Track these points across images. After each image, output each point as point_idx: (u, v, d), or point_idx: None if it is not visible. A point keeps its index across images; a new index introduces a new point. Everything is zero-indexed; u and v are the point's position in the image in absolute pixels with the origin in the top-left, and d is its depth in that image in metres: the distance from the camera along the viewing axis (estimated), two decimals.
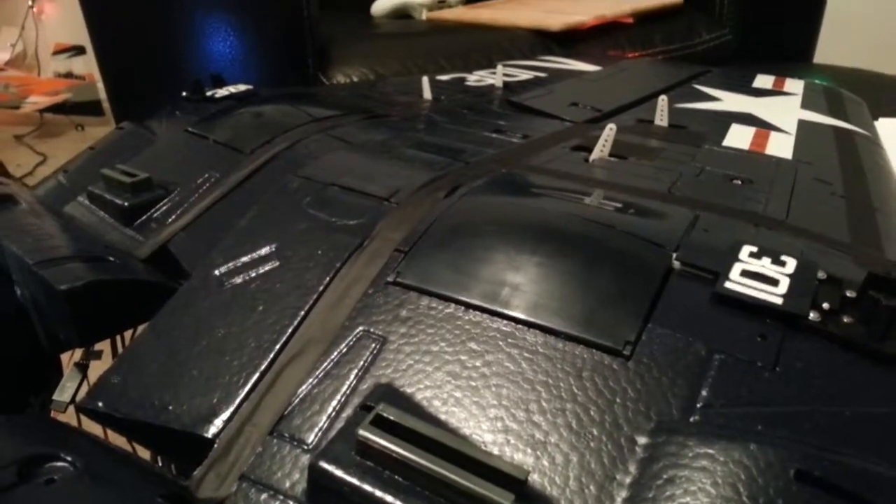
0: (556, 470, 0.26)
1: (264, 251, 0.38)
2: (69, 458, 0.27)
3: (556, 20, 1.32)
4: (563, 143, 0.57)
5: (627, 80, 0.90)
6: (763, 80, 0.89)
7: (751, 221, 0.41)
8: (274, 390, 0.30)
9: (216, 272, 0.38)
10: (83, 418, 0.36)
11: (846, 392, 0.28)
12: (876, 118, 0.87)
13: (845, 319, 0.30)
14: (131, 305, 0.42)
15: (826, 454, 0.25)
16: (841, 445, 0.25)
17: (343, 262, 0.36)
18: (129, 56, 1.16)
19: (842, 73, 1.32)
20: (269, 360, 0.32)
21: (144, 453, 0.42)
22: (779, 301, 0.30)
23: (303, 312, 0.34)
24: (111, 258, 0.44)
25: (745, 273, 0.32)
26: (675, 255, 0.34)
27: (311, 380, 0.30)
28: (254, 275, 0.37)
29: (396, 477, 0.24)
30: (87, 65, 2.51)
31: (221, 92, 0.68)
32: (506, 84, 0.84)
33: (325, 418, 0.29)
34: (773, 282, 0.31)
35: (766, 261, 0.33)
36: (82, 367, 0.44)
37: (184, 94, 0.69)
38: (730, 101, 0.76)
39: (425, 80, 0.77)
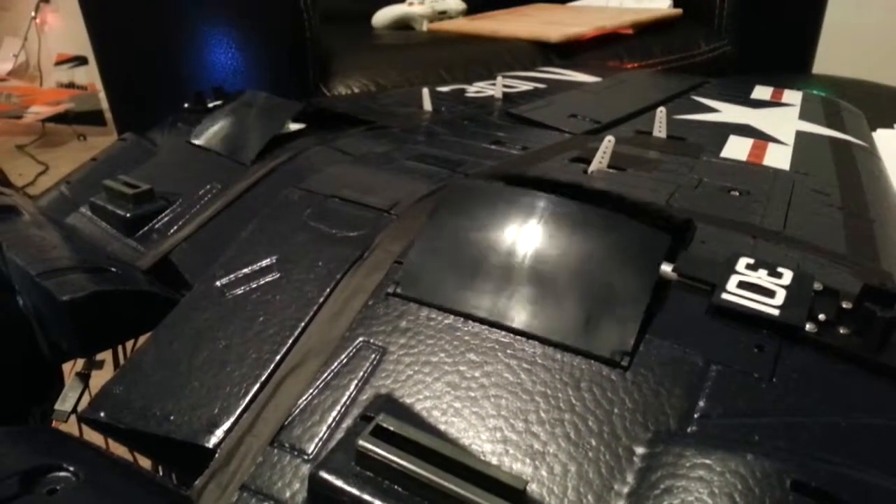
0: (555, 480, 0.26)
1: (265, 263, 0.38)
2: (71, 469, 0.27)
3: (555, 31, 1.32)
4: (562, 155, 0.57)
5: (626, 92, 0.90)
6: (761, 92, 0.89)
7: (748, 233, 0.41)
8: (274, 401, 0.31)
9: (217, 283, 0.38)
10: (84, 428, 0.36)
11: (843, 403, 0.28)
12: (874, 129, 0.87)
13: (841, 330, 0.30)
14: (133, 316, 0.42)
15: (823, 465, 0.25)
16: (837, 456, 0.25)
17: (343, 274, 0.37)
18: (132, 66, 1.17)
19: (840, 83, 1.33)
20: (269, 370, 0.32)
21: (146, 463, 0.42)
22: (775, 312, 0.30)
23: (303, 324, 0.34)
24: (113, 269, 0.44)
25: (741, 284, 0.32)
26: (672, 267, 0.34)
27: (311, 390, 0.30)
28: (255, 286, 0.37)
29: (396, 487, 0.25)
30: (89, 75, 2.52)
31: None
32: (506, 95, 0.85)
33: (325, 428, 0.29)
34: (770, 293, 0.31)
35: (763, 272, 0.33)
36: (84, 377, 0.44)
37: (185, 105, 0.70)
38: (728, 112, 0.77)
39: (425, 91, 0.78)
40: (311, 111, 0.68)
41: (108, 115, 2.13)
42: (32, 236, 0.49)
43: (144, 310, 0.43)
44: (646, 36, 1.42)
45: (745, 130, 0.68)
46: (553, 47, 1.31)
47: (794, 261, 0.37)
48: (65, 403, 0.41)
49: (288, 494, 0.27)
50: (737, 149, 0.61)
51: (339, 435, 0.28)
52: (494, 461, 0.27)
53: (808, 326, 0.30)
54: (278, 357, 0.33)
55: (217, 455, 0.30)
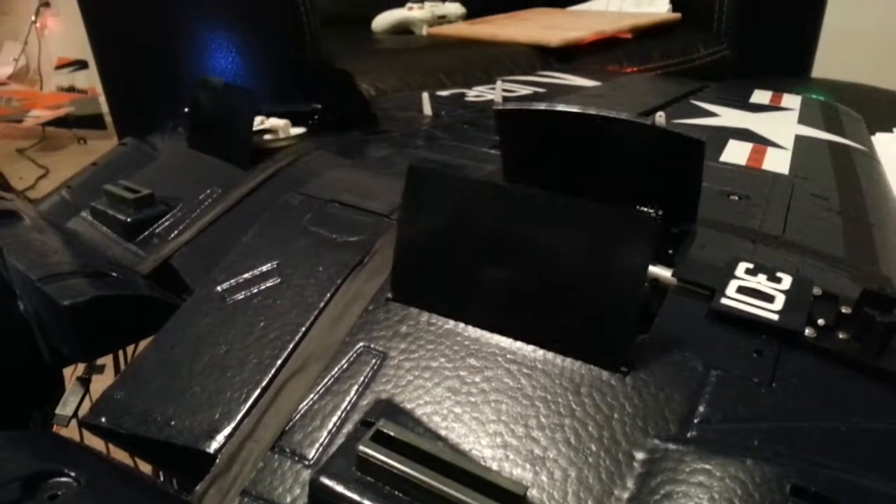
0: (555, 485, 0.26)
1: (266, 268, 0.39)
2: (73, 474, 0.27)
3: (555, 36, 1.33)
4: None
5: (625, 97, 0.90)
6: (760, 96, 0.90)
7: (747, 237, 0.41)
8: (275, 406, 0.31)
9: (218, 289, 0.38)
10: (85, 432, 0.36)
11: (842, 407, 0.28)
12: (873, 133, 0.87)
13: (840, 335, 0.30)
14: (133, 321, 0.43)
15: (822, 469, 0.25)
16: (837, 460, 0.26)
17: (344, 279, 0.37)
18: (132, 70, 1.17)
19: (839, 87, 1.33)
20: (270, 375, 0.32)
21: (146, 468, 0.42)
22: (774, 317, 0.30)
23: (304, 328, 0.34)
24: (114, 274, 0.45)
25: (741, 289, 0.32)
26: (672, 272, 0.34)
27: (311, 395, 0.30)
28: (255, 291, 0.37)
29: (396, 492, 0.25)
30: (89, 79, 2.52)
31: None
32: (505, 100, 0.85)
33: (325, 434, 0.29)
34: (769, 298, 0.31)
35: (762, 277, 0.33)
36: (84, 382, 0.44)
37: (185, 109, 0.70)
38: (727, 116, 0.77)
39: (425, 96, 0.78)
40: (310, 112, 0.69)
41: (109, 119, 2.13)
42: (33, 241, 0.49)
43: (145, 314, 0.43)
44: (645, 40, 1.43)
45: (744, 135, 0.68)
46: (553, 51, 1.31)
47: (794, 265, 0.37)
48: (65, 408, 0.41)
49: (289, 500, 0.27)
50: (736, 153, 0.61)
51: (340, 440, 0.28)
52: (495, 466, 0.27)
53: (807, 331, 0.30)
54: (279, 362, 0.33)
55: (218, 460, 0.30)
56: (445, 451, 0.25)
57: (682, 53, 1.43)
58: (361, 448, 0.25)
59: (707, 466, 0.25)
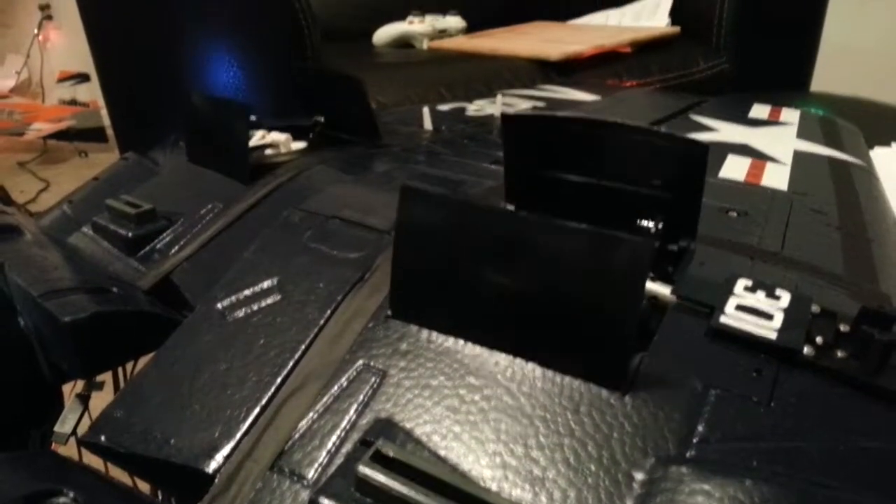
0: None
1: (266, 284, 0.39)
2: (71, 494, 0.27)
3: (555, 50, 1.33)
4: None
5: (624, 112, 0.91)
6: (759, 110, 0.90)
7: (746, 254, 0.41)
8: (274, 425, 0.31)
9: (218, 306, 0.38)
10: (84, 450, 0.36)
11: (841, 426, 0.28)
12: (871, 147, 0.88)
13: (839, 354, 0.30)
14: (134, 337, 0.43)
15: (821, 489, 0.25)
16: (836, 480, 0.25)
17: (344, 296, 0.37)
18: (133, 83, 1.17)
19: (838, 101, 1.34)
20: (269, 394, 0.32)
21: (145, 487, 0.42)
22: (773, 336, 0.30)
23: (303, 346, 0.34)
24: (114, 289, 0.45)
25: (740, 307, 0.32)
26: (671, 289, 0.34)
27: (311, 414, 0.30)
28: (256, 308, 0.37)
29: None
30: (91, 92, 2.53)
31: None
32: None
33: (324, 454, 0.29)
34: (768, 316, 0.31)
35: (761, 294, 0.33)
36: (83, 399, 0.44)
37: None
38: (726, 131, 0.77)
39: (426, 110, 0.78)
40: (311, 127, 0.69)
41: (110, 132, 2.13)
42: (34, 256, 0.49)
43: (145, 331, 0.43)
44: (644, 54, 1.44)
45: (743, 150, 0.68)
46: (553, 65, 1.32)
47: (792, 282, 0.37)
48: (64, 425, 0.41)
49: None
50: (735, 169, 0.61)
51: (339, 460, 0.28)
52: (494, 487, 0.27)
53: (805, 350, 0.30)
54: (279, 380, 0.33)
55: (217, 480, 0.30)
56: (445, 472, 0.25)
57: (681, 67, 1.43)
58: (360, 468, 0.25)
59: (706, 487, 0.25)
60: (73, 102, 2.57)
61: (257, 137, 0.65)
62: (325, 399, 0.31)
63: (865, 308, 0.30)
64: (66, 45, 2.88)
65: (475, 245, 0.32)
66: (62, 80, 2.66)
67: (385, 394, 0.31)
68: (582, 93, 1.03)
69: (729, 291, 0.33)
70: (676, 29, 1.52)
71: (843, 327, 0.31)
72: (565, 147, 0.41)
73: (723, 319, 0.31)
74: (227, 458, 0.30)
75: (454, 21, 1.66)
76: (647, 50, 1.45)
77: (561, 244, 0.30)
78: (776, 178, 0.60)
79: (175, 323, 0.40)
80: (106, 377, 0.47)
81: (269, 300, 0.38)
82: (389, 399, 0.30)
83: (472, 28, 1.69)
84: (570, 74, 1.32)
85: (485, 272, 0.32)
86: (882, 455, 0.27)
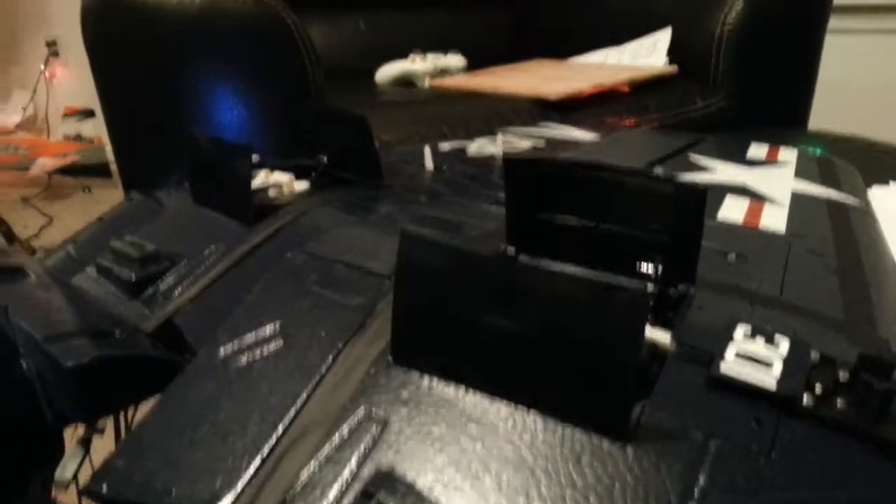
0: None
1: (269, 330, 0.39)
2: None
3: (554, 88, 1.35)
4: None
5: (623, 152, 0.92)
6: (757, 150, 0.91)
7: (745, 299, 0.42)
8: (276, 475, 0.31)
9: (221, 352, 0.38)
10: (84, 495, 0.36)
11: (841, 476, 0.28)
12: (869, 186, 0.88)
13: (839, 402, 0.30)
14: (137, 381, 0.43)
15: None
16: None
17: (346, 342, 0.37)
18: (137, 120, 1.19)
19: (835, 139, 1.35)
20: (271, 442, 0.32)
21: None
22: (773, 384, 0.31)
23: (305, 393, 0.34)
24: (117, 333, 0.45)
25: (739, 355, 0.32)
26: (670, 337, 0.34)
27: (312, 464, 0.30)
28: (258, 354, 0.38)
29: None
30: (96, 127, 2.57)
31: None
32: (506, 154, 0.86)
33: None
34: (767, 364, 0.32)
35: (760, 342, 0.33)
36: (84, 443, 0.44)
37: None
38: (724, 171, 0.78)
39: (427, 149, 0.79)
40: (314, 167, 0.70)
41: (114, 167, 2.16)
42: (38, 298, 0.50)
43: (148, 374, 0.43)
44: (642, 93, 1.45)
45: (740, 191, 0.69)
46: (552, 103, 1.34)
47: (791, 328, 0.38)
48: (65, 471, 0.41)
49: None
50: (733, 210, 0.62)
51: None
52: None
53: (805, 398, 0.30)
54: (280, 428, 0.33)
55: None
56: None
57: (679, 105, 1.45)
58: None
59: None
60: (79, 138, 2.60)
61: (260, 178, 0.65)
62: (326, 448, 0.31)
63: (864, 355, 0.31)
64: (72, 81, 2.92)
65: (474, 293, 0.32)
66: (68, 115, 2.69)
67: (386, 442, 0.31)
68: (581, 131, 1.05)
69: (728, 338, 0.33)
70: (674, 68, 1.54)
71: (842, 374, 0.31)
72: (565, 190, 0.42)
73: (722, 368, 0.31)
74: None
75: (455, 60, 1.69)
76: (645, 88, 1.47)
77: (559, 293, 0.31)
78: (774, 219, 0.60)
79: (177, 366, 0.40)
80: (106, 421, 0.47)
81: (272, 346, 0.38)
82: (391, 448, 0.30)
83: (472, 66, 1.71)
84: (570, 113, 1.33)
85: (484, 320, 0.32)
86: None
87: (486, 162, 0.83)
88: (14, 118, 2.97)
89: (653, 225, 0.39)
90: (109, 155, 2.19)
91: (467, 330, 0.32)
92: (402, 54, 1.65)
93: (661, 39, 1.60)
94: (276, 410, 0.34)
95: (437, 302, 0.33)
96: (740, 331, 0.34)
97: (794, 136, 1.34)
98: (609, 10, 1.82)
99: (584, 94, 1.37)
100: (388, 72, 1.65)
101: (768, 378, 0.31)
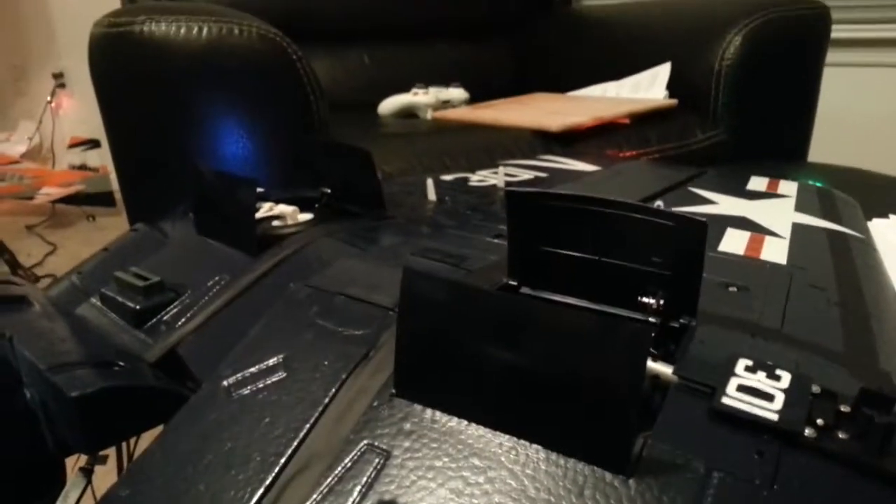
0: None
1: (272, 362, 0.39)
2: None
3: (555, 121, 1.37)
4: None
5: (624, 184, 0.93)
6: (757, 182, 0.91)
7: (746, 331, 0.42)
8: None
9: (224, 383, 0.39)
10: None
11: None
12: (869, 218, 0.89)
13: (840, 435, 0.30)
14: (140, 411, 0.43)
15: None
16: None
17: (349, 374, 0.37)
18: (143, 152, 1.20)
19: (835, 172, 1.36)
20: (273, 474, 0.32)
21: None
22: (774, 417, 0.31)
23: (308, 425, 0.35)
24: (121, 363, 0.45)
25: (741, 388, 0.32)
26: (672, 370, 0.34)
27: (315, 496, 0.30)
28: (261, 385, 0.38)
29: None
30: (101, 157, 2.59)
31: None
32: (508, 185, 0.87)
33: None
34: (769, 397, 0.32)
35: (762, 375, 0.33)
36: (86, 473, 0.44)
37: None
38: (725, 204, 0.78)
39: (430, 181, 0.80)
40: (318, 199, 0.70)
41: (118, 196, 2.17)
42: (42, 328, 0.50)
43: (151, 405, 0.43)
44: (642, 125, 1.47)
45: (741, 223, 0.69)
46: (553, 136, 1.35)
47: (793, 361, 0.38)
48: (67, 501, 0.41)
49: None
50: (734, 242, 0.62)
51: None
52: None
53: (807, 431, 0.30)
54: (283, 460, 0.33)
55: None
56: None
57: (679, 138, 1.46)
58: None
59: None
60: (84, 168, 2.62)
61: (264, 209, 0.66)
62: (328, 480, 0.31)
63: (865, 389, 0.31)
64: (77, 112, 2.96)
65: (476, 327, 0.33)
66: (73, 146, 2.72)
67: (389, 475, 0.31)
68: (582, 163, 1.06)
69: (730, 371, 0.33)
70: (674, 101, 1.56)
71: (843, 408, 0.31)
72: (567, 223, 0.42)
73: (724, 400, 0.32)
74: None
75: (457, 92, 1.70)
76: (645, 121, 1.48)
77: (561, 326, 0.31)
78: (775, 251, 0.60)
79: (181, 397, 0.40)
80: (109, 450, 0.47)
81: (275, 378, 0.38)
82: (393, 480, 0.30)
83: (474, 99, 1.73)
84: (571, 145, 1.34)
85: (486, 354, 0.32)
86: None
87: (487, 192, 0.84)
88: (20, 148, 3.00)
89: (654, 258, 0.40)
90: (114, 183, 2.21)
91: (470, 363, 0.33)
92: (405, 87, 1.67)
93: (661, 73, 1.62)
94: (278, 442, 0.34)
95: (440, 336, 0.33)
96: (742, 364, 0.34)
97: (794, 168, 1.36)
98: (609, 45, 1.85)
99: (584, 127, 1.38)
100: (390, 104, 1.67)
101: (770, 411, 0.31)
